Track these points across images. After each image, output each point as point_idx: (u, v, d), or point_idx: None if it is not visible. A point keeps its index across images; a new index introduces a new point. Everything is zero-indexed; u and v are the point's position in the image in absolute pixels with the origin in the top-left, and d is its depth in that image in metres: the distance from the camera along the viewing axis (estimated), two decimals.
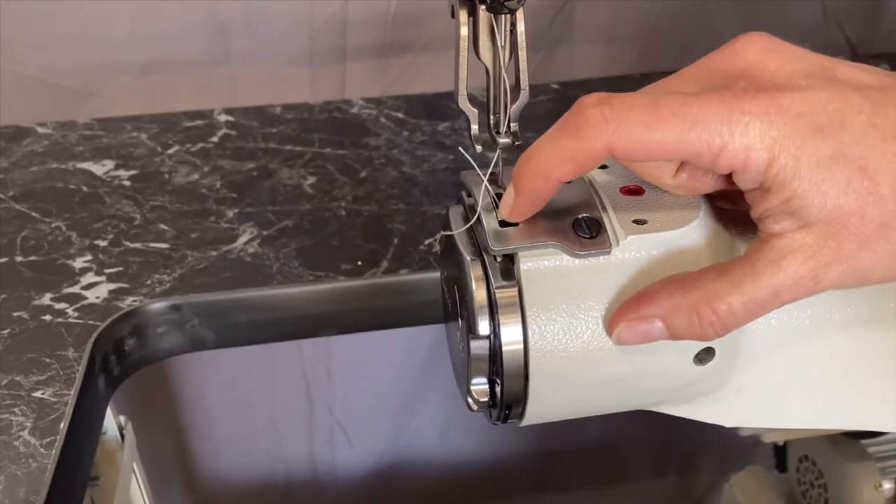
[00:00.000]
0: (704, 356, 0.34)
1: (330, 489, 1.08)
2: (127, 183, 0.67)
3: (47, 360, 0.50)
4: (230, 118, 0.75)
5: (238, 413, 1.01)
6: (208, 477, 1.05)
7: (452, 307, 0.37)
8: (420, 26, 0.85)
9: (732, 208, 0.34)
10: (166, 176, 0.68)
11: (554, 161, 0.30)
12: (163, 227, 0.61)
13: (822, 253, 0.29)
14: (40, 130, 0.74)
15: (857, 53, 0.93)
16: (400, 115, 0.76)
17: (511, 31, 0.32)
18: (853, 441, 0.72)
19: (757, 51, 0.30)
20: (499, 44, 0.32)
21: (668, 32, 0.90)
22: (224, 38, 0.81)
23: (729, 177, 0.31)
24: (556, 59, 0.89)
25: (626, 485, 1.17)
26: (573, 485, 1.15)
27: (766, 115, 0.28)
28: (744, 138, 0.28)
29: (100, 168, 0.69)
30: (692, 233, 0.33)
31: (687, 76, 0.31)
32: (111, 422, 0.61)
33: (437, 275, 0.56)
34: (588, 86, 0.81)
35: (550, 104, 0.78)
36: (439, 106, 0.78)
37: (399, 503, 1.13)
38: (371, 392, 1.03)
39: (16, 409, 0.46)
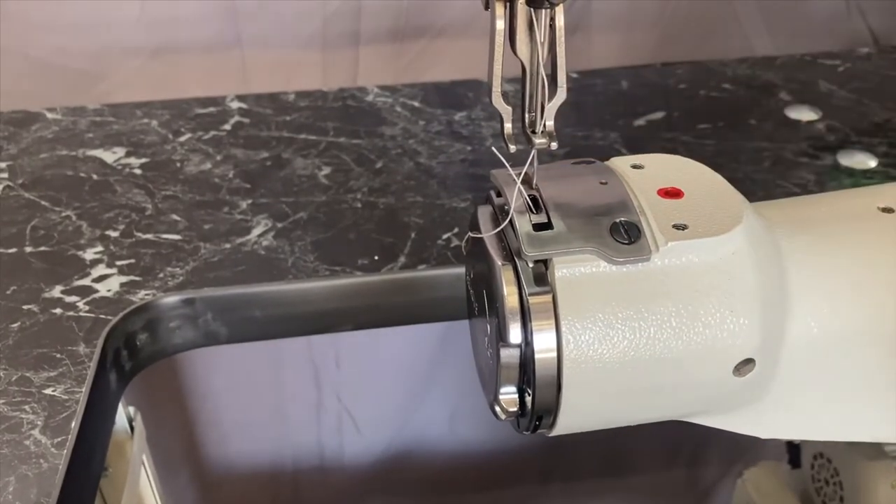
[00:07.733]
0: (744, 367, 0.32)
1: (337, 476, 1.08)
2: (138, 171, 0.65)
3: (58, 355, 0.49)
4: (243, 105, 0.74)
5: (246, 400, 1.00)
6: (216, 464, 1.04)
7: (479, 310, 0.36)
8: (436, 11, 0.83)
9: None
10: (178, 164, 0.66)
11: None
12: (175, 217, 0.60)
13: None
14: (49, 116, 0.72)
15: (879, 44, 0.91)
16: (415, 103, 0.74)
17: (550, 27, 0.30)
18: None
19: None
20: (538, 39, 0.30)
21: (688, 20, 0.88)
22: (236, 20, 0.80)
23: None
24: (574, 46, 0.87)
25: (633, 476, 1.16)
26: (580, 475, 1.14)
27: None
28: None
29: (110, 155, 0.67)
30: (736, 238, 0.31)
31: None
32: (121, 413, 0.59)
33: (456, 270, 0.55)
34: (608, 74, 0.79)
35: (569, 95, 0.76)
36: (455, 94, 0.76)
37: (406, 490, 1.12)
38: (379, 380, 1.02)
39: (26, 407, 0.45)
